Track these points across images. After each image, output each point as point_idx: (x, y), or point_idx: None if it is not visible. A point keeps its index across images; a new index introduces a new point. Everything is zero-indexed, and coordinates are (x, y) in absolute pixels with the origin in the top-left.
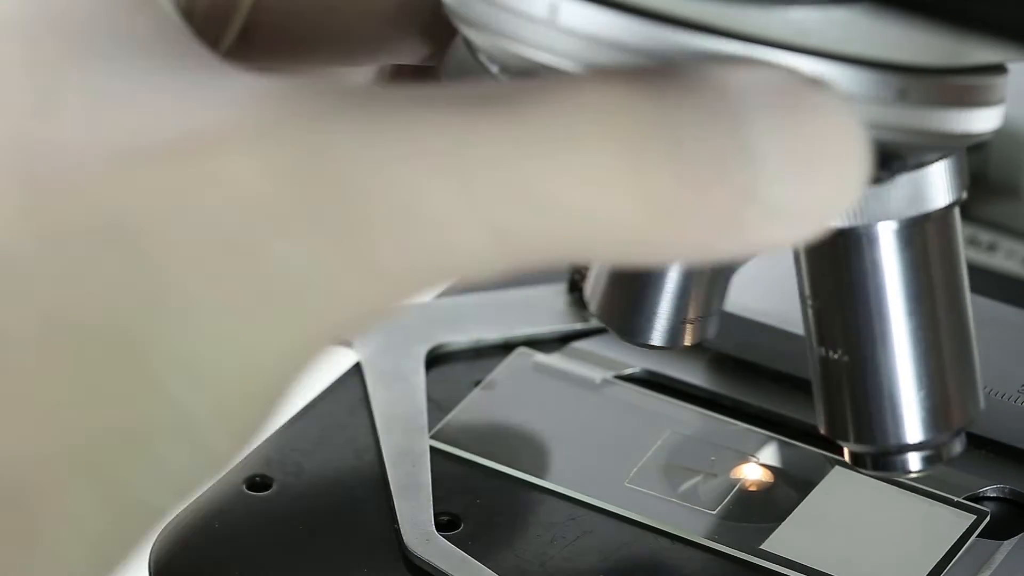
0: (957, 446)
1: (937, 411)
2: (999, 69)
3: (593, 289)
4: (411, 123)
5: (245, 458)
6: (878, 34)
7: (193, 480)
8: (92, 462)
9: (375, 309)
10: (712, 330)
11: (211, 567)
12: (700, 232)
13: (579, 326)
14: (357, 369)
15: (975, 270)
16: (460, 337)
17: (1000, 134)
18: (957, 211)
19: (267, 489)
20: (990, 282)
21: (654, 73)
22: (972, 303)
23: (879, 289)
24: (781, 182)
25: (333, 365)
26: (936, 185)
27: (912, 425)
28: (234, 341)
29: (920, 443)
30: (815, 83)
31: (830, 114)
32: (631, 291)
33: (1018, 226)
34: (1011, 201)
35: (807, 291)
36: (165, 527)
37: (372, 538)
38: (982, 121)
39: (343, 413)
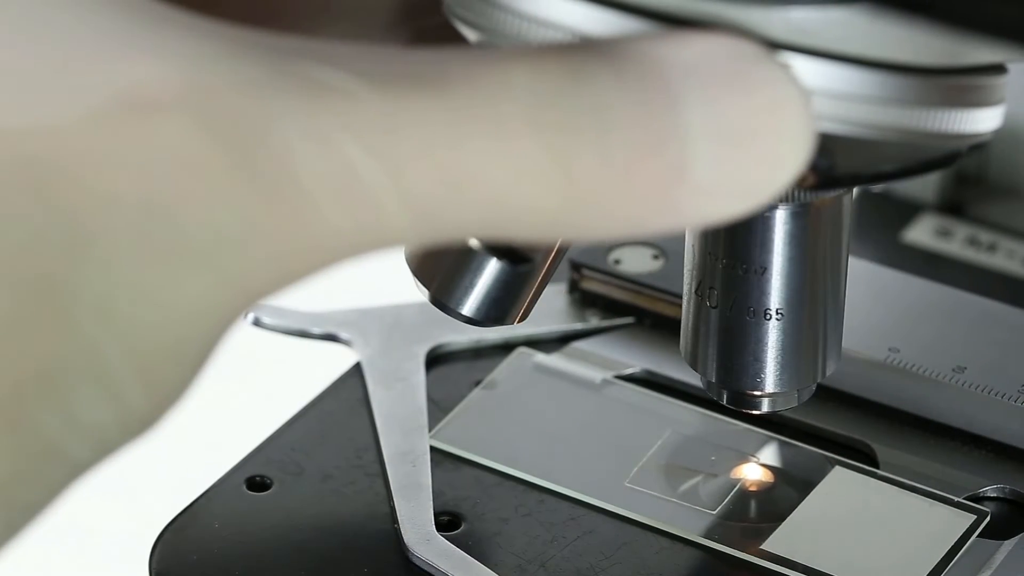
0: (806, 394)
1: (796, 370)
2: (999, 69)
3: (415, 251)
4: (347, 97)
5: (245, 458)
6: (878, 34)
7: (111, 435)
8: (5, 402)
9: (294, 274)
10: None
11: (211, 567)
12: (627, 213)
13: (579, 326)
14: (357, 369)
15: (975, 270)
16: (460, 337)
17: (1000, 134)
18: (851, 196)
19: (267, 489)
20: (990, 282)
21: (587, 51)
22: (972, 303)
23: (766, 258)
24: (713, 160)
25: (333, 365)
26: None
27: (771, 378)
28: (154, 295)
29: (772, 392)
30: (761, 56)
31: (771, 89)
32: (453, 256)
33: (1018, 226)
34: (1011, 201)
35: (701, 242)
36: (165, 527)
37: (372, 538)
38: (982, 121)
39: (343, 413)
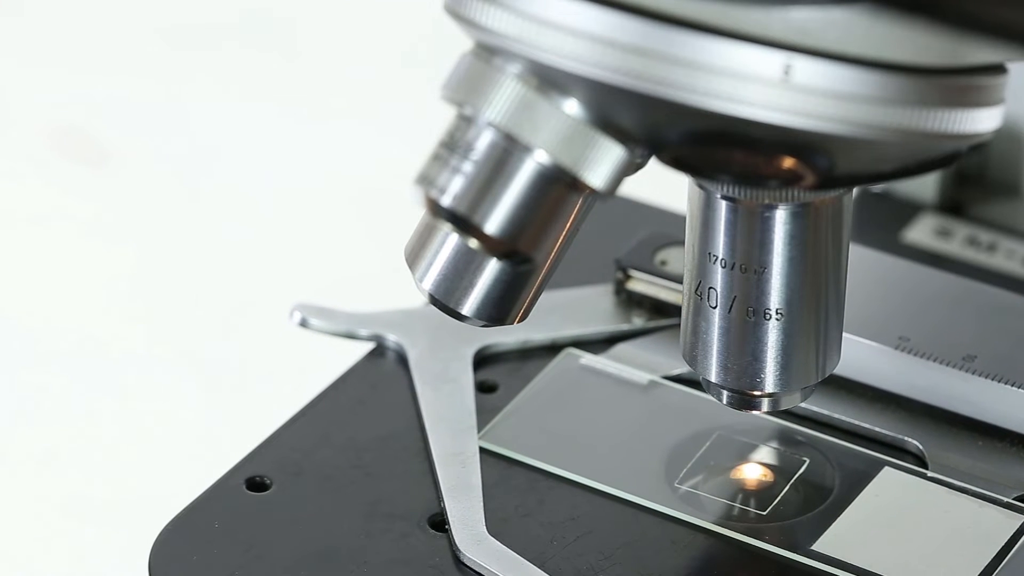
0: (806, 394)
1: (796, 369)
2: (999, 69)
3: (414, 250)
4: None
5: (245, 458)
6: (878, 34)
7: None
8: None
9: None
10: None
11: (211, 567)
12: None
13: (626, 327)
14: (357, 369)
15: (975, 270)
16: (507, 338)
17: (1000, 134)
18: (850, 196)
19: (267, 489)
20: (990, 282)
21: None
22: (982, 292)
23: (766, 258)
24: None
25: (332, 365)
26: None
27: (771, 378)
28: None
29: (772, 392)
30: None
31: None
32: (452, 255)
33: (1018, 226)
34: (1011, 201)
35: (701, 242)
36: (165, 527)
37: (372, 537)
38: (982, 121)
39: (343, 413)
